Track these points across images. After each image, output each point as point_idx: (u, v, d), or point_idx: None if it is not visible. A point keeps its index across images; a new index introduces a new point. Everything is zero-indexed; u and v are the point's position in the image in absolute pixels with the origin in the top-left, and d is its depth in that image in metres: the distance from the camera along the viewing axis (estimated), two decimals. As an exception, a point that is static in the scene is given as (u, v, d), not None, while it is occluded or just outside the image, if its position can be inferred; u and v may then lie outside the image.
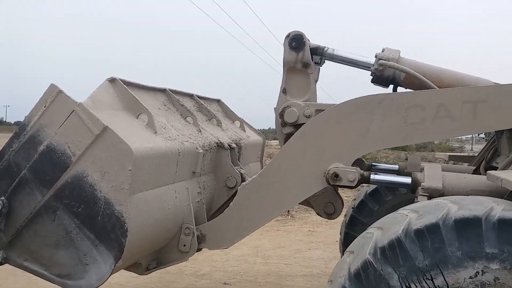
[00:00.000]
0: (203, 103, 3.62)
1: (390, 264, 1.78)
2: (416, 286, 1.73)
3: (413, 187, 2.51)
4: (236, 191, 3.33)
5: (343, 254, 3.83)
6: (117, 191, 2.18)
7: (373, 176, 2.60)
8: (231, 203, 2.84)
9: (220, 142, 3.27)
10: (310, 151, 2.67)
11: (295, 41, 3.08)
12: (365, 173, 2.59)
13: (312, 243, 7.03)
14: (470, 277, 1.67)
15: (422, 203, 2.03)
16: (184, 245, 2.84)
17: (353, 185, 2.55)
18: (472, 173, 3.08)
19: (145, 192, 2.38)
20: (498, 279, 1.64)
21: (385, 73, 2.95)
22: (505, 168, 2.54)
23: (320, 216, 3.25)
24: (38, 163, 2.27)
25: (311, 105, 3.03)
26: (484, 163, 3.07)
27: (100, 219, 2.21)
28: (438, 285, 1.70)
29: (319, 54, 3.18)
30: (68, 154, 2.23)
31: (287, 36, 3.11)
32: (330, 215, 3.16)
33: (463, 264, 1.68)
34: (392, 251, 1.79)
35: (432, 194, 2.39)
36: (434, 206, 1.88)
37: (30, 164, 2.28)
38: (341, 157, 2.61)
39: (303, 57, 3.08)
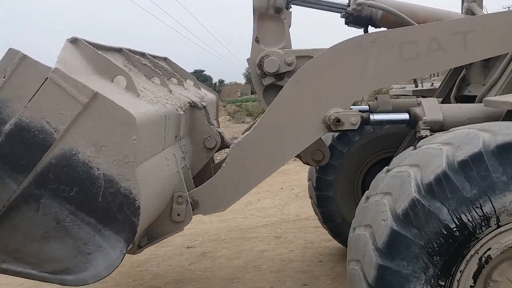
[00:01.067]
0: (158, 61, 3.25)
1: (439, 198, 1.78)
2: (466, 216, 1.76)
3: (414, 122, 2.54)
4: (215, 151, 3.17)
5: (318, 199, 3.90)
6: (121, 166, 1.86)
7: (373, 117, 2.58)
8: (224, 163, 2.64)
9: (193, 102, 3.00)
10: (307, 99, 2.54)
11: None
12: (364, 115, 2.56)
13: (259, 194, 7.08)
14: None
15: (449, 134, 2.03)
16: (178, 215, 2.61)
17: (356, 128, 2.50)
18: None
19: (145, 163, 2.08)
20: None
21: (363, 12, 2.89)
22: (488, 92, 2.69)
23: (309, 164, 3.20)
24: (5, 147, 1.83)
25: (291, 51, 2.87)
26: (454, 92, 3.23)
27: (102, 200, 1.88)
28: (486, 212, 1.75)
29: (291, -1, 2.98)
30: (48, 130, 1.83)
31: None
32: (319, 162, 3.12)
33: (509, 187, 1.74)
34: (439, 185, 1.78)
35: (434, 126, 2.46)
36: (467, 136, 1.89)
37: (-5, 149, 1.83)
38: (339, 101, 2.53)
39: (275, 1, 2.87)
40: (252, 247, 4.73)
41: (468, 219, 1.77)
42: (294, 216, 5.76)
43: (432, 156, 1.90)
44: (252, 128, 2.63)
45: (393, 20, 2.84)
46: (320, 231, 4.98)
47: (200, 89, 3.80)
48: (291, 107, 2.56)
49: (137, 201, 1.89)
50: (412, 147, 2.24)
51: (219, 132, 3.09)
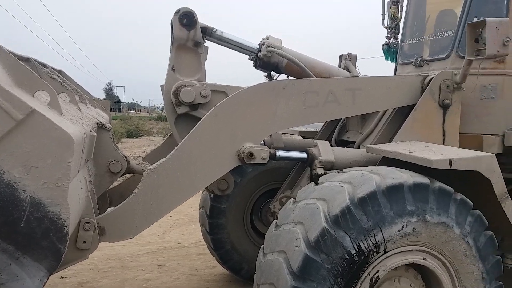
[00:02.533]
0: (59, 75, 3.09)
1: (343, 228, 2.14)
2: (363, 243, 2.15)
3: (310, 161, 2.93)
4: (119, 176, 3.09)
5: (210, 226, 4.04)
6: (51, 189, 1.76)
7: (278, 153, 2.89)
8: (136, 189, 2.63)
9: (101, 122, 2.91)
10: (224, 132, 2.73)
11: (186, 18, 3.01)
12: (272, 151, 2.86)
13: (134, 221, 6.84)
14: (399, 230, 2.21)
15: (346, 174, 2.44)
16: (84, 242, 2.49)
17: (265, 163, 2.78)
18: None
19: (69, 186, 1.98)
20: (415, 229, 2.24)
21: (271, 59, 3.24)
22: (365, 139, 3.27)
23: (214, 192, 3.34)
24: None
25: (207, 85, 3.06)
26: (335, 136, 3.80)
27: (25, 225, 1.74)
28: (378, 240, 2.17)
29: (208, 34, 3.19)
30: (-33, 146, 1.64)
31: (177, 12, 3.00)
32: (224, 191, 3.30)
33: (394, 221, 2.20)
34: (343, 217, 2.15)
35: (327, 166, 2.88)
36: (362, 177, 2.32)
37: None
38: (253, 137, 2.79)
39: (194, 35, 3.05)
40: (134, 276, 4.58)
41: (364, 246, 2.16)
42: (176, 243, 5.74)
43: (336, 192, 2.27)
44: (168, 155, 2.69)
45: (295, 70, 3.27)
46: (204, 258, 5.10)
47: (96, 108, 3.66)
48: (208, 139, 2.71)
49: (65, 227, 1.80)
50: (313, 182, 2.60)
51: (125, 156, 3.04)
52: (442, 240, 2.30)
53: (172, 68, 3.07)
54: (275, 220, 2.54)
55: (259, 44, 3.34)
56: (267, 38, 3.30)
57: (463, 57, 3.30)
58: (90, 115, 2.90)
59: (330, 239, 2.12)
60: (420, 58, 3.71)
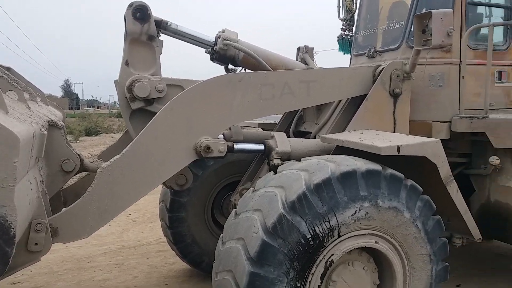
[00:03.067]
0: (7, 73, 2.96)
1: (299, 214, 2.19)
2: (318, 228, 2.21)
3: (268, 152, 2.96)
4: (73, 175, 3.01)
5: (170, 220, 4.00)
6: (-5, 190, 1.68)
7: (236, 146, 2.90)
8: (90, 187, 2.57)
9: (52, 121, 2.82)
10: (180, 126, 2.71)
11: (140, 12, 2.96)
12: (229, 144, 2.86)
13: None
14: (352, 215, 2.28)
15: (304, 163, 2.49)
16: (36, 244, 2.40)
17: (223, 156, 2.78)
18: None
19: (17, 187, 1.91)
20: (368, 214, 2.32)
21: (228, 52, 3.24)
22: (320, 130, 3.34)
23: (172, 188, 3.31)
24: None
25: (162, 79, 3.02)
26: (293, 127, 3.85)
27: (-33, 229, 1.66)
28: (332, 225, 2.24)
29: (163, 28, 3.14)
30: None
31: (130, 6, 2.94)
32: (182, 186, 3.27)
33: (348, 206, 2.27)
34: (300, 203, 2.20)
35: (283, 156, 2.91)
36: (318, 165, 2.38)
37: None
38: (210, 130, 2.78)
39: (148, 29, 3.00)
40: (91, 277, 4.46)
41: (319, 231, 2.22)
42: (135, 242, 5.63)
43: (293, 179, 2.32)
44: (122, 152, 2.64)
45: (252, 63, 3.28)
46: (164, 255, 5.03)
47: (48, 106, 3.53)
48: (164, 133, 2.68)
49: (12, 229, 1.73)
50: (272, 172, 2.64)
51: (78, 155, 2.95)
52: (393, 224, 2.40)
53: (126, 63, 3.01)
54: (234, 210, 2.55)
55: (215, 37, 3.32)
56: (223, 31, 3.29)
57: (413, 48, 3.44)
58: (41, 113, 2.79)
59: (286, 224, 2.16)
60: (373, 49, 3.81)
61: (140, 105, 2.98)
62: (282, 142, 2.95)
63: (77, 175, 3.15)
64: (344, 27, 4.68)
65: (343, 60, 4.77)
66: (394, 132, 3.19)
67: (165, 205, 4.07)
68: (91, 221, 2.56)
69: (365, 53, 3.91)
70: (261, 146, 3.00)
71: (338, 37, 4.68)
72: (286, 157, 2.93)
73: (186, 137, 2.73)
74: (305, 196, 2.20)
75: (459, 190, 2.76)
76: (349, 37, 4.62)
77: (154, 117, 2.70)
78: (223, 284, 2.27)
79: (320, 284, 2.30)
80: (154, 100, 3.01)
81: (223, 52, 3.24)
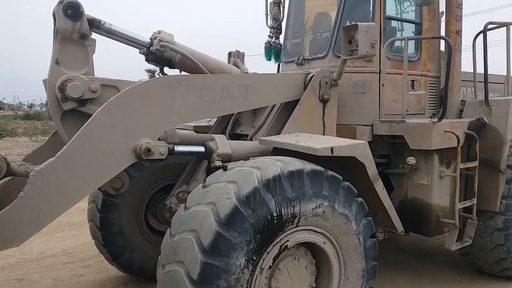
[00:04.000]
0: None
1: (271, 192, 2.33)
2: (284, 210, 2.36)
3: (208, 154, 3.01)
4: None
5: (102, 220, 3.86)
6: None
7: (177, 148, 2.90)
8: (21, 192, 2.41)
9: None
10: (118, 128, 2.65)
11: (71, 9, 2.84)
12: (170, 146, 2.86)
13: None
14: (312, 209, 2.46)
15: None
16: None
17: (164, 158, 2.77)
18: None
19: None
20: (324, 212, 2.50)
21: (164, 54, 3.22)
22: (256, 132, 3.47)
23: (107, 191, 3.19)
24: None
25: (96, 79, 2.92)
26: (229, 130, 3.93)
27: None
28: (296, 211, 2.40)
29: (95, 27, 3.05)
30: None
31: (61, 2, 2.82)
32: (118, 190, 3.17)
33: (311, 199, 2.44)
34: (274, 183, 2.35)
35: (224, 158, 2.99)
36: (290, 160, 2.55)
37: None
38: (149, 132, 2.76)
39: (81, 27, 2.89)
40: (-16, 295, 4.09)
41: (284, 213, 2.36)
42: (38, 254, 5.22)
43: (270, 164, 2.45)
44: (57, 154, 2.51)
45: (189, 65, 3.30)
46: (71, 267, 4.78)
47: None
48: (101, 135, 2.60)
49: None
50: (221, 169, 2.66)
51: (4, 158, 2.74)
52: (341, 231, 2.65)
53: (56, 61, 2.86)
54: (183, 205, 2.55)
55: (150, 38, 3.29)
56: (159, 32, 3.27)
57: (339, 56, 3.71)
58: None
59: (259, 197, 2.29)
60: (302, 57, 4.04)
61: (73, 106, 2.85)
62: (222, 144, 3.02)
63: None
64: (271, 34, 4.88)
65: (270, 65, 4.97)
66: (323, 134, 3.42)
67: (96, 205, 3.91)
68: (24, 227, 2.41)
69: (294, 60, 4.13)
70: (201, 148, 3.04)
71: (265, 43, 4.87)
72: (227, 159, 3.00)
73: (124, 139, 2.68)
74: (279, 178, 2.37)
75: (384, 187, 3.05)
76: (276, 44, 4.84)
77: (90, 118, 2.61)
78: (184, 243, 2.26)
79: (271, 265, 2.42)
80: (88, 100, 2.90)
81: (160, 53, 3.22)
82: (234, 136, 3.92)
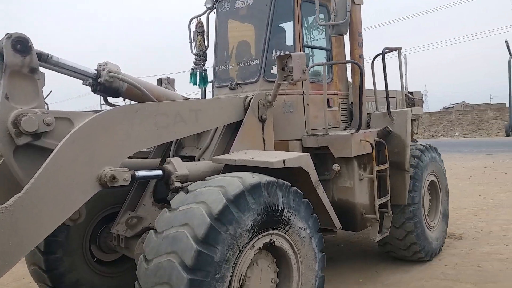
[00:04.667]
0: None
1: (237, 207, 2.59)
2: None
3: (167, 177, 3.18)
4: None
5: (46, 263, 3.74)
6: None
7: (138, 174, 3.03)
8: None
9: None
10: (81, 158, 2.72)
11: (20, 44, 2.85)
12: (131, 172, 2.98)
13: None
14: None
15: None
16: None
17: (127, 184, 2.88)
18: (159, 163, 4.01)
19: None
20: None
21: (113, 84, 3.34)
22: (203, 153, 3.73)
23: (64, 224, 3.13)
24: None
25: (50, 112, 2.94)
26: (173, 152, 4.10)
27: None
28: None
29: (43, 61, 3.06)
30: None
31: (9, 37, 2.81)
32: (76, 221, 3.15)
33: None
34: (240, 196, 2.63)
35: (182, 179, 3.19)
36: (250, 176, 2.81)
37: None
38: (111, 160, 2.86)
39: (30, 61, 2.90)
40: None
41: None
42: None
43: (231, 182, 2.70)
44: (24, 190, 2.50)
45: (135, 94, 3.46)
46: None
47: None
48: (67, 166, 2.65)
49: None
50: (182, 192, 2.85)
51: None
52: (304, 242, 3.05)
53: (6, 96, 2.82)
54: (151, 231, 2.67)
55: (96, 70, 3.37)
56: (106, 64, 3.38)
57: (269, 81, 4.19)
58: None
59: (228, 212, 2.55)
60: (234, 82, 4.43)
61: (27, 140, 2.82)
62: (180, 166, 3.23)
63: None
64: (196, 61, 5.21)
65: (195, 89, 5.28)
66: (264, 150, 3.82)
67: (38, 247, 3.75)
68: None
69: (227, 85, 4.50)
70: (159, 172, 3.21)
71: (191, 69, 5.17)
72: (185, 180, 3.21)
73: (89, 168, 2.75)
74: (242, 193, 2.66)
75: (324, 191, 3.54)
76: (202, 70, 5.18)
77: (54, 151, 2.65)
78: (166, 266, 2.40)
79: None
80: (42, 134, 2.90)
81: (108, 84, 3.32)
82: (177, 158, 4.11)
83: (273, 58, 4.25)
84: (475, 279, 4.53)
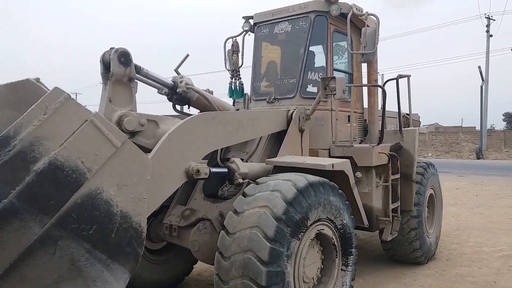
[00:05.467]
0: None
1: (304, 197, 3.22)
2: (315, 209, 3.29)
3: (232, 174, 3.80)
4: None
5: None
6: (136, 202, 2.13)
7: (212, 170, 3.64)
8: None
9: None
10: (175, 154, 3.32)
11: (124, 57, 3.44)
12: (209, 168, 3.59)
13: None
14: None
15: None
16: None
17: (207, 177, 3.49)
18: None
19: None
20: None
21: (188, 95, 3.96)
22: (251, 157, 4.36)
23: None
24: (34, 186, 1.73)
25: (143, 115, 3.53)
26: (220, 156, 4.71)
27: (115, 236, 2.06)
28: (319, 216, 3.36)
29: (137, 72, 3.65)
30: (82, 170, 1.89)
31: (116, 51, 3.40)
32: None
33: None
34: (306, 189, 3.26)
35: (244, 177, 3.82)
36: (309, 176, 3.43)
37: (21, 189, 1.69)
38: (195, 157, 3.47)
39: (130, 72, 3.49)
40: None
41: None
42: None
43: (298, 178, 3.34)
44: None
45: (203, 104, 4.08)
46: None
47: None
48: (164, 160, 3.24)
49: (143, 233, 2.17)
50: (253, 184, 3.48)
51: None
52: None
53: (110, 100, 3.40)
54: (230, 212, 3.28)
55: (173, 81, 3.98)
56: (182, 77, 3.99)
57: (304, 97, 4.88)
58: None
59: (299, 199, 3.20)
60: (273, 97, 5.11)
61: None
62: (242, 165, 3.85)
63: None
64: (232, 76, 5.86)
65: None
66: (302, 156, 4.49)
67: None
68: None
69: (265, 99, 5.17)
70: (225, 169, 3.82)
71: (229, 83, 5.82)
72: (245, 177, 3.84)
73: (180, 162, 3.35)
74: (308, 187, 3.34)
75: (358, 192, 4.23)
76: (238, 84, 5.83)
77: (156, 147, 3.23)
78: (250, 237, 2.99)
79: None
80: (136, 133, 3.48)
81: (184, 94, 3.93)
82: (225, 161, 4.72)
83: (309, 78, 4.96)
84: (449, 302, 4.71)
